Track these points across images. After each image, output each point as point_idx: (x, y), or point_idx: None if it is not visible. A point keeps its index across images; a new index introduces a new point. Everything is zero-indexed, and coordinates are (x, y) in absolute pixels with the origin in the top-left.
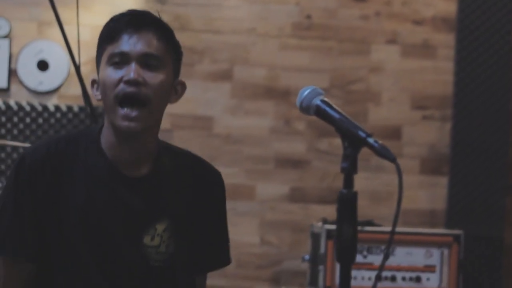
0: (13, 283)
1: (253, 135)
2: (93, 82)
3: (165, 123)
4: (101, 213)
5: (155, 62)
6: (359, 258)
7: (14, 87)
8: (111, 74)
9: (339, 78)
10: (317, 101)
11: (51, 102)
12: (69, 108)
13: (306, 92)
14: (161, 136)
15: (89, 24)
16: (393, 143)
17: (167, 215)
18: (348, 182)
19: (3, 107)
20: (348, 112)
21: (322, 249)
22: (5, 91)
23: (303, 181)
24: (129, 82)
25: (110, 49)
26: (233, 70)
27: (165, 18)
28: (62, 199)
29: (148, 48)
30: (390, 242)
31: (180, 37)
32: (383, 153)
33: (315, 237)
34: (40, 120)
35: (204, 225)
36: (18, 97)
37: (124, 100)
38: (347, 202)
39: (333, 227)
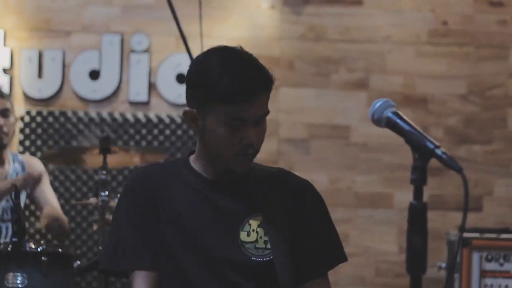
0: None
1: (391, 143)
2: (187, 113)
3: (302, 133)
4: (197, 218)
5: (264, 117)
6: (495, 266)
7: (154, 100)
8: (229, 135)
9: (477, 84)
10: (388, 113)
11: None
12: None
13: (377, 104)
14: (299, 145)
15: (223, 37)
16: None
17: (259, 211)
18: (418, 193)
19: (143, 119)
20: (487, 118)
21: (458, 257)
22: (146, 104)
23: (442, 188)
24: (251, 145)
25: (226, 110)
26: (369, 78)
27: (300, 29)
28: (161, 211)
29: (263, 110)
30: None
31: (316, 47)
32: (450, 164)
33: (451, 245)
34: (179, 132)
35: (303, 227)
36: (158, 110)
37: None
38: (417, 213)
39: (470, 235)
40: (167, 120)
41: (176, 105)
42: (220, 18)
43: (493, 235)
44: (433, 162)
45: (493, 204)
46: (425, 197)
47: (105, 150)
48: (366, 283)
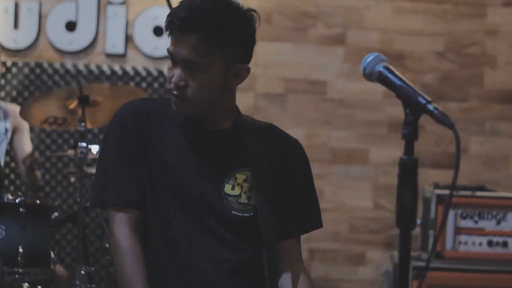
0: (123, 231)
1: (367, 100)
2: None
3: (278, 88)
4: (185, 162)
5: (197, 66)
6: (470, 223)
7: (131, 53)
8: (169, 69)
9: (455, 41)
10: (379, 68)
11: (167, 67)
12: None
13: (369, 59)
14: (275, 100)
15: None
16: (509, 108)
17: (247, 165)
18: (409, 148)
19: (120, 72)
20: (463, 75)
21: (432, 214)
22: (122, 56)
23: (417, 145)
24: (174, 84)
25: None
26: (347, 34)
27: None
28: (151, 149)
29: (189, 55)
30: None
31: (294, 1)
32: (441, 119)
33: (427, 202)
34: (156, 85)
35: (289, 188)
36: (134, 63)
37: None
38: (407, 168)
39: (444, 192)
40: (143, 73)
41: (153, 58)
42: None
43: (468, 193)
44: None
45: (467, 161)
46: (400, 154)
47: (83, 100)
48: (340, 239)
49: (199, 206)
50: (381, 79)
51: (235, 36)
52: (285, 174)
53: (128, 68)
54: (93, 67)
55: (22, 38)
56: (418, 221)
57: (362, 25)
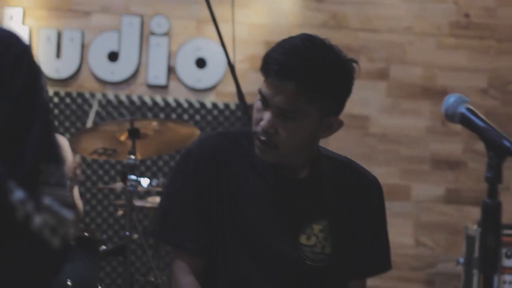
0: (184, 275)
1: (409, 135)
2: None
3: None
4: (260, 209)
5: (291, 114)
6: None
7: (173, 84)
8: (257, 110)
9: (498, 78)
10: (462, 109)
11: (209, 99)
12: (226, 106)
13: (451, 100)
14: None
15: (245, 22)
16: None
17: (324, 215)
18: (493, 192)
19: (162, 104)
20: (507, 112)
21: (476, 253)
22: (164, 88)
23: (459, 182)
24: (262, 130)
25: (263, 81)
26: (390, 69)
27: (322, 16)
28: (225, 192)
29: (285, 104)
30: None
31: (337, 35)
32: None
33: (470, 240)
34: (198, 117)
35: (363, 230)
36: (176, 94)
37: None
38: (491, 212)
39: None
40: (185, 105)
41: (194, 90)
42: (242, 4)
43: None
44: (451, 156)
45: (511, 200)
46: (442, 191)
47: (133, 133)
48: (382, 275)
49: (272, 255)
50: (464, 120)
51: (334, 88)
52: (360, 215)
53: (170, 99)
54: (135, 98)
55: (64, 68)
56: (461, 260)
57: (405, 60)
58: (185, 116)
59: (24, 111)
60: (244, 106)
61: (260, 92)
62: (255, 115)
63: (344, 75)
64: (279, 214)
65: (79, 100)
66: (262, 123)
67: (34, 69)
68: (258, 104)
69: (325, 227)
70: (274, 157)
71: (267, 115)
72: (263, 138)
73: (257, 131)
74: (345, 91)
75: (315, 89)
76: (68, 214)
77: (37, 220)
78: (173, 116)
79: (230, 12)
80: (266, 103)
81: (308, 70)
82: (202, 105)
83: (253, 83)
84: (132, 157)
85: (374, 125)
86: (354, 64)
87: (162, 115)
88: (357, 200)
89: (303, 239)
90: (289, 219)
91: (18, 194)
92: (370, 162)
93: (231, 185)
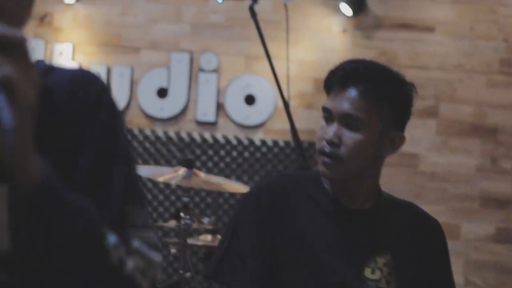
0: None
1: (459, 173)
2: None
3: None
4: (324, 241)
5: (355, 122)
6: None
7: (222, 121)
8: (321, 127)
9: None
10: None
11: (257, 136)
12: (275, 143)
13: None
14: None
15: (295, 59)
16: None
17: (388, 249)
18: None
19: (210, 140)
20: None
21: None
22: (213, 124)
23: (510, 221)
24: (327, 142)
25: (326, 98)
26: (439, 106)
27: (371, 53)
28: (288, 227)
29: (348, 109)
30: None
31: None
32: None
33: None
34: (246, 154)
35: (429, 270)
36: (225, 131)
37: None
38: None
39: None
40: (234, 142)
41: (243, 127)
42: (292, 41)
43: None
44: (500, 194)
45: None
46: (492, 229)
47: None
48: None
49: None
50: None
51: (394, 97)
52: (424, 257)
53: (219, 136)
54: (183, 134)
55: None
56: None
57: (454, 98)
58: (234, 153)
59: (108, 150)
60: (298, 142)
61: (323, 108)
62: (319, 133)
63: (403, 88)
64: (343, 247)
65: (128, 137)
66: (328, 135)
67: (113, 106)
68: (321, 122)
69: (388, 261)
70: (339, 172)
71: (332, 128)
72: (328, 150)
73: (321, 146)
74: (405, 106)
75: (376, 93)
76: (155, 257)
77: (130, 264)
78: (222, 153)
79: (281, 49)
80: (330, 117)
81: (369, 76)
82: (251, 142)
83: (303, 120)
84: (186, 195)
85: (424, 163)
86: (412, 89)
87: (210, 152)
88: (421, 240)
89: (367, 273)
90: (353, 251)
91: (111, 239)
92: (420, 200)
93: (293, 220)
